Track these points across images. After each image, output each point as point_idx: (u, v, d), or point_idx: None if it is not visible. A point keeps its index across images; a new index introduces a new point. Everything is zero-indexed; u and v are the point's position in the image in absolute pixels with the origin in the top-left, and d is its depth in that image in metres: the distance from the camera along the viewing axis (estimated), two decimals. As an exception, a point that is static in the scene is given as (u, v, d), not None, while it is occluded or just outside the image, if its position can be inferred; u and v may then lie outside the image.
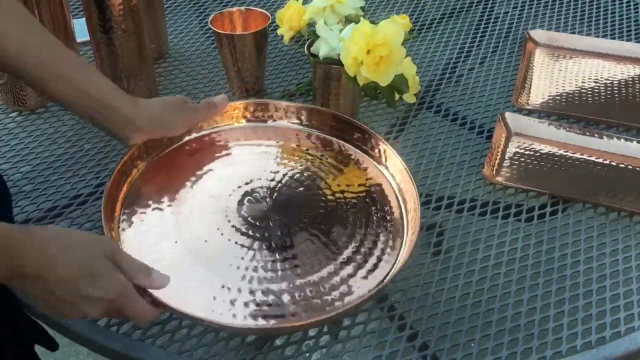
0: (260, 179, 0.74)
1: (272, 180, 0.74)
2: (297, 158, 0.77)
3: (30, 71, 0.66)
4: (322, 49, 0.79)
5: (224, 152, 0.78)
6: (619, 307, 0.64)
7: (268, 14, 0.89)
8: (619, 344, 0.61)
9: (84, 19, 0.86)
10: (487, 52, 1.05)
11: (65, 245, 0.55)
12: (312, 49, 0.82)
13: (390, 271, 0.63)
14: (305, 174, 0.75)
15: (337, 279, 0.63)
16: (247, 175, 0.74)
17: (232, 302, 0.60)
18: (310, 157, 0.77)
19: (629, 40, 1.08)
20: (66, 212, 0.74)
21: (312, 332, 0.60)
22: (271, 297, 0.61)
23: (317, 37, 0.80)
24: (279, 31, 0.89)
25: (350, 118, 0.79)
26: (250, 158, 0.78)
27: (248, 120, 0.82)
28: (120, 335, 0.61)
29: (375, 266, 0.64)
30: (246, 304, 0.60)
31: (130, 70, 0.88)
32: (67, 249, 0.54)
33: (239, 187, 0.73)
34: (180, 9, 1.17)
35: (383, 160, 0.76)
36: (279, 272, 0.63)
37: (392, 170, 0.74)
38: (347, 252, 0.66)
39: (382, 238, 0.67)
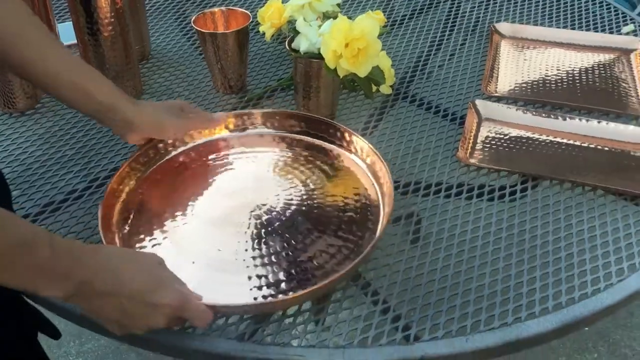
0: (247, 188, 0.78)
1: (263, 190, 0.78)
2: (287, 168, 0.82)
3: (40, 77, 0.71)
4: (302, 44, 0.84)
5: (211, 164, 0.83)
6: (585, 272, 0.70)
7: (249, 13, 0.93)
8: (586, 304, 0.66)
9: (68, 22, 0.90)
10: (456, 45, 1.11)
11: (128, 259, 0.59)
12: (292, 44, 0.87)
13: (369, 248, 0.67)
14: (290, 184, 0.79)
15: (320, 260, 0.68)
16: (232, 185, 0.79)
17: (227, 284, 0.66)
18: (299, 165, 0.82)
19: (587, 30, 1.15)
20: (64, 207, 0.77)
21: (300, 319, 0.64)
22: (263, 280, 0.66)
23: (298, 33, 0.85)
24: (261, 29, 0.94)
25: (329, 119, 0.85)
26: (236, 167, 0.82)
27: (230, 130, 0.86)
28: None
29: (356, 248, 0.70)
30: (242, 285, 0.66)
31: (118, 71, 0.91)
32: (131, 262, 0.58)
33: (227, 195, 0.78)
34: (160, 11, 1.20)
35: (359, 152, 0.81)
36: (272, 256, 0.69)
37: (367, 161, 0.80)
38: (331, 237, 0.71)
39: (361, 224, 0.73)
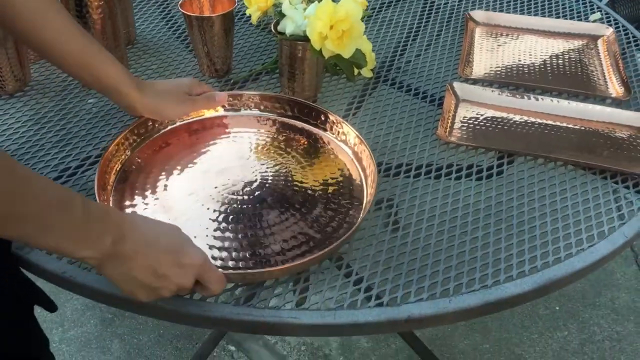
0: (235, 166, 0.82)
1: (247, 166, 0.81)
2: (270, 147, 0.85)
3: (58, 56, 0.76)
4: (288, 27, 0.87)
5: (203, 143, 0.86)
6: (558, 239, 0.75)
7: (234, -3, 0.96)
8: (560, 268, 0.71)
9: (58, 6, 0.91)
10: (433, 32, 1.15)
11: (154, 223, 0.62)
12: (278, 27, 0.90)
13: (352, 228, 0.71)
14: (276, 162, 0.83)
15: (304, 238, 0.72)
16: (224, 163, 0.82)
17: (225, 258, 0.69)
18: (280, 147, 0.85)
19: (557, 17, 1.20)
20: (58, 183, 0.79)
21: (289, 296, 0.67)
22: (255, 252, 0.70)
23: (283, 16, 0.88)
24: (247, 11, 0.96)
25: (312, 104, 0.88)
26: (226, 146, 0.86)
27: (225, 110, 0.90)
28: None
29: (340, 226, 0.73)
30: (235, 259, 0.69)
31: (106, 54, 0.93)
32: (158, 226, 0.61)
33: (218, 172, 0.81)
34: (143, -2, 1.22)
35: (343, 137, 0.85)
36: (260, 232, 0.72)
37: (352, 145, 0.84)
38: (317, 213, 0.75)
39: (346, 202, 0.77)
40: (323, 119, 0.87)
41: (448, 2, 1.25)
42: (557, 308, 1.61)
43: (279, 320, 0.64)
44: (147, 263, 0.58)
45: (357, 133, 0.82)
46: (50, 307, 0.77)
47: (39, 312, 0.76)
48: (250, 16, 0.99)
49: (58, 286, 0.69)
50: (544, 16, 1.21)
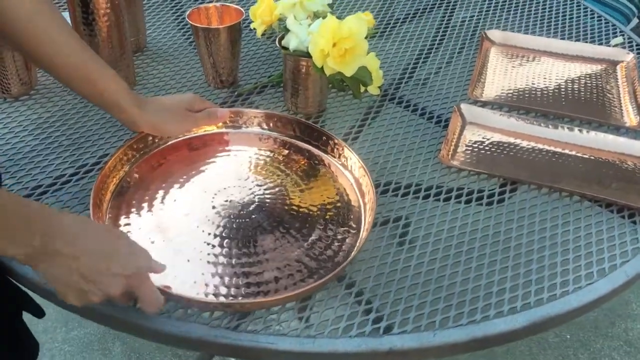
0: (234, 186, 0.80)
1: (245, 187, 0.80)
2: (269, 167, 0.84)
3: (60, 70, 0.77)
4: (292, 42, 0.86)
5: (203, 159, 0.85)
6: (556, 274, 0.72)
7: (242, 9, 0.95)
8: (554, 306, 0.68)
9: (64, 12, 0.91)
10: (446, 50, 1.13)
11: (89, 225, 0.61)
12: (283, 42, 0.88)
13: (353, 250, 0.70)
14: (275, 184, 0.81)
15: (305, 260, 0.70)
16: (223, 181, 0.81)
17: (217, 285, 0.68)
18: (280, 168, 0.84)
19: (577, 40, 1.17)
20: (51, 190, 0.79)
21: (283, 316, 0.65)
22: (249, 279, 0.68)
23: (288, 31, 0.87)
24: (252, 25, 0.95)
25: (313, 124, 0.87)
26: (225, 164, 0.84)
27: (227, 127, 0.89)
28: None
29: (339, 251, 0.72)
30: (228, 286, 0.68)
31: (111, 62, 0.92)
32: (91, 229, 0.60)
33: (215, 194, 0.79)
34: (158, 4, 1.22)
35: (342, 159, 0.83)
36: (254, 258, 0.71)
37: (350, 166, 0.82)
38: (313, 239, 0.73)
39: (343, 230, 0.75)
40: (325, 140, 0.85)
41: (466, 20, 1.22)
42: (568, 336, 1.57)
43: (255, 345, 0.62)
44: (75, 265, 0.57)
45: (358, 158, 0.80)
46: (38, 313, 0.77)
47: (46, 309, 0.76)
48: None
49: (40, 296, 0.69)
50: (564, 38, 1.18)
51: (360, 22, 0.82)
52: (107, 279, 0.58)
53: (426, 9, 1.25)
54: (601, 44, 1.17)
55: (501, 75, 1.05)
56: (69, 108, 0.93)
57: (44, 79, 0.99)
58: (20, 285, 0.71)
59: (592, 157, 0.89)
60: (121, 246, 0.61)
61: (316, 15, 0.90)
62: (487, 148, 0.90)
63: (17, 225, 0.56)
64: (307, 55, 0.84)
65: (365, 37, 0.83)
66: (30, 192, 0.78)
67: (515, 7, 1.27)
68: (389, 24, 1.19)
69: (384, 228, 0.76)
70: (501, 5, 1.28)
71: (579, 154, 0.89)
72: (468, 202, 0.81)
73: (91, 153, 0.85)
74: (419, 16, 1.23)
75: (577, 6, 1.29)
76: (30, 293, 0.71)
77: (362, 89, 0.94)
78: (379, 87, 1.00)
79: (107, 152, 0.85)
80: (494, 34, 1.14)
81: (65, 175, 0.82)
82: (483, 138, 0.91)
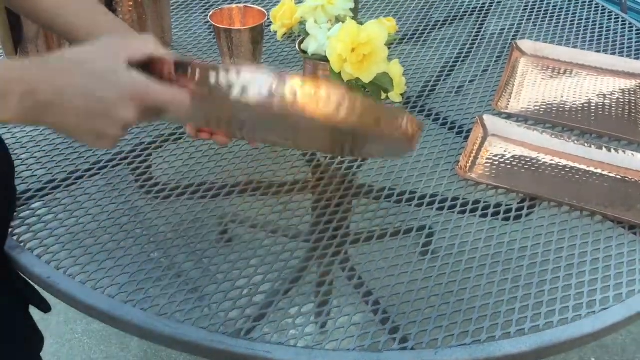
0: None
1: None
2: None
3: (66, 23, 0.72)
4: (311, 46, 0.85)
5: None
6: (569, 297, 0.69)
7: (265, 11, 0.95)
8: (565, 330, 0.65)
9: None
10: (474, 59, 1.10)
11: (65, 63, 0.55)
12: (302, 45, 0.87)
13: None
14: None
15: None
16: None
17: None
18: None
19: (613, 54, 1.13)
20: (63, 185, 0.79)
21: (299, 320, 0.64)
22: None
23: (308, 34, 0.86)
24: (272, 27, 0.95)
25: None
26: None
27: None
28: (105, 296, 0.66)
29: None
30: None
31: (133, 58, 0.93)
32: (67, 66, 0.54)
33: None
34: (187, 4, 1.23)
35: None
36: None
37: None
38: None
39: None
40: None
41: (497, 29, 1.19)
42: (593, 359, 1.51)
43: (251, 353, 0.61)
44: (73, 108, 0.52)
45: None
46: (44, 307, 0.77)
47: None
48: (280, 31, 0.97)
49: (44, 290, 0.69)
50: (599, 51, 1.14)
51: (380, 28, 0.80)
52: (112, 108, 0.53)
53: (456, 16, 1.23)
54: (637, 58, 1.12)
55: (529, 87, 1.02)
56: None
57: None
58: (27, 279, 0.72)
59: (619, 176, 0.85)
60: (103, 71, 0.54)
61: (338, 20, 0.88)
62: (507, 162, 0.87)
63: None
64: (326, 59, 0.83)
65: (386, 44, 0.81)
66: (44, 186, 0.79)
67: (550, 17, 1.24)
68: (418, 29, 1.17)
69: (394, 238, 0.75)
70: (535, 15, 1.24)
71: (604, 172, 0.85)
72: (484, 216, 0.79)
73: (107, 150, 0.86)
74: (449, 24, 1.20)
75: (615, 19, 1.24)
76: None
77: (383, 95, 0.92)
78: (402, 94, 0.98)
79: (123, 149, 0.86)
80: (525, 45, 1.11)
81: (80, 170, 0.82)
82: (504, 151, 0.88)
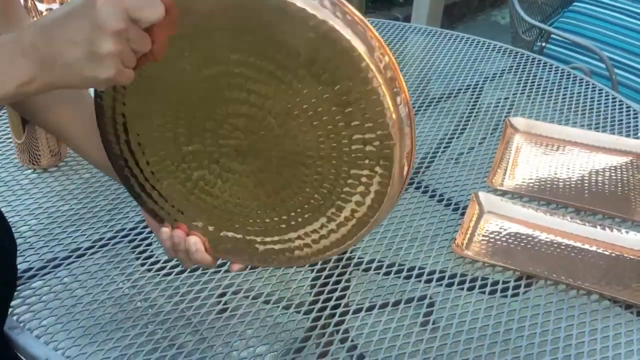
0: None
1: None
2: None
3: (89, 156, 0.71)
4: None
5: None
6: (568, 379, 0.69)
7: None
8: (565, 414, 0.65)
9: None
10: (469, 136, 1.13)
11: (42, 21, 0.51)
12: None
13: None
14: None
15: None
16: None
17: None
18: None
19: (604, 131, 1.16)
20: (65, 264, 0.80)
21: None
22: None
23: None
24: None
25: None
26: None
27: None
28: None
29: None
30: None
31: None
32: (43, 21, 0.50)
33: None
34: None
35: None
36: None
37: None
38: None
39: None
40: None
41: (491, 105, 1.23)
42: None
43: None
44: (52, 19, 0.49)
45: None
46: None
47: None
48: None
49: (42, 371, 0.69)
50: (590, 128, 1.17)
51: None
52: (91, 7, 0.48)
53: (451, 94, 1.27)
54: (629, 135, 1.15)
55: (523, 164, 1.05)
56: (93, 181, 0.96)
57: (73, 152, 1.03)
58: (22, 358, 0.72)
59: (614, 254, 0.86)
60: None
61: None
62: (503, 239, 0.88)
63: None
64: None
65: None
66: (45, 264, 0.80)
67: (542, 92, 1.28)
68: (414, 105, 1.21)
69: (381, 311, 0.75)
70: (529, 90, 1.28)
71: (599, 250, 0.87)
72: (481, 294, 0.79)
73: (108, 227, 0.87)
74: (444, 100, 1.24)
75: (605, 96, 1.28)
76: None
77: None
78: (398, 171, 1.00)
79: (125, 225, 0.87)
80: (518, 122, 1.14)
81: (81, 248, 0.83)
82: (500, 228, 0.90)
